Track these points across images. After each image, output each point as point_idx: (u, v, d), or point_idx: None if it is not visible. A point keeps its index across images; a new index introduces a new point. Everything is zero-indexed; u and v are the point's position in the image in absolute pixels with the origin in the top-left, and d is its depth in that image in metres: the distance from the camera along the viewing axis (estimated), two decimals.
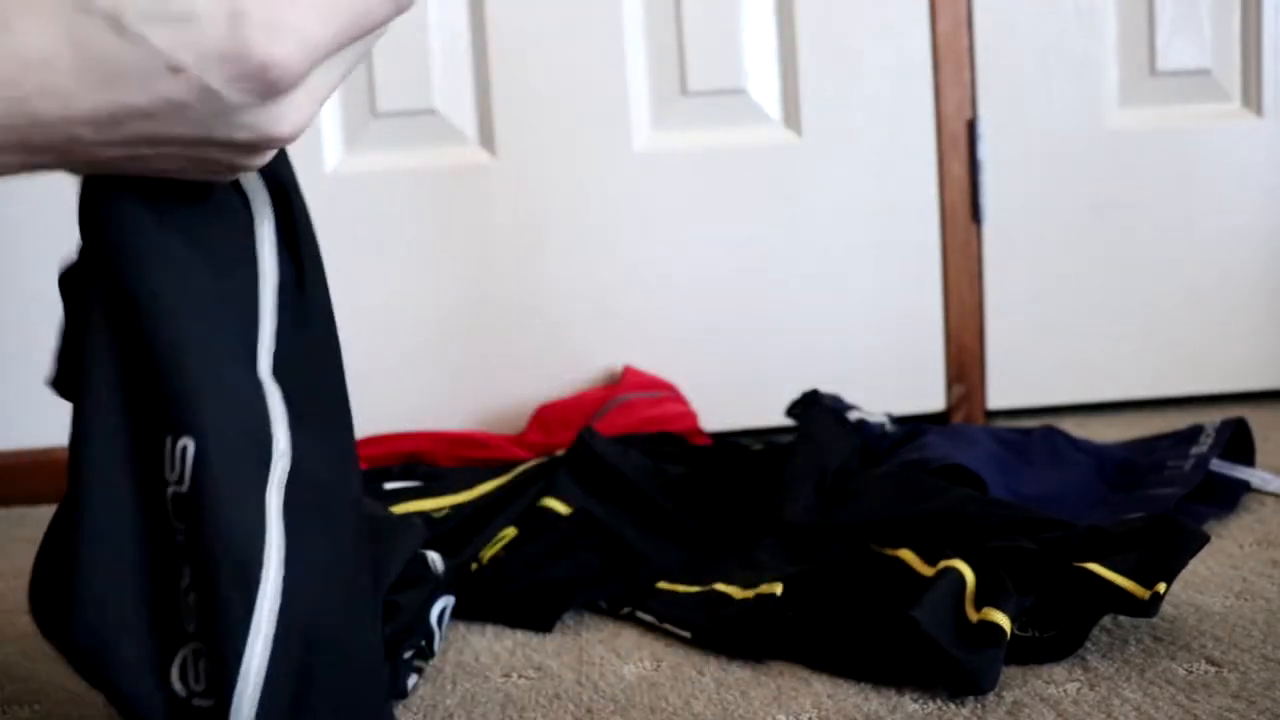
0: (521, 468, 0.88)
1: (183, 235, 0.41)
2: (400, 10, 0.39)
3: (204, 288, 0.42)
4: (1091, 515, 0.79)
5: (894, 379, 1.22)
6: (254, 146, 0.37)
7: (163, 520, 0.40)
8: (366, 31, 0.38)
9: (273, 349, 0.45)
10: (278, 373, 0.45)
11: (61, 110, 0.34)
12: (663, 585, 0.70)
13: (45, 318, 1.27)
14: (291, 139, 0.37)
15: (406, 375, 1.17)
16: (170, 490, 0.40)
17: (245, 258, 0.45)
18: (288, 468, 0.43)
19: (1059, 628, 0.58)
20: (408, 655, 0.59)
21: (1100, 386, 1.25)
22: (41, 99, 0.34)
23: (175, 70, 0.34)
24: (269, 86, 0.35)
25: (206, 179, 0.40)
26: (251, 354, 0.44)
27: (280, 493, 0.42)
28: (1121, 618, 0.62)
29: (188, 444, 0.39)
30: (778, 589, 0.61)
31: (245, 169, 0.40)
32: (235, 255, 0.44)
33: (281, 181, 0.46)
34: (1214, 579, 0.68)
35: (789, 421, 0.98)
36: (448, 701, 0.58)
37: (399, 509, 0.78)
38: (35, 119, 0.34)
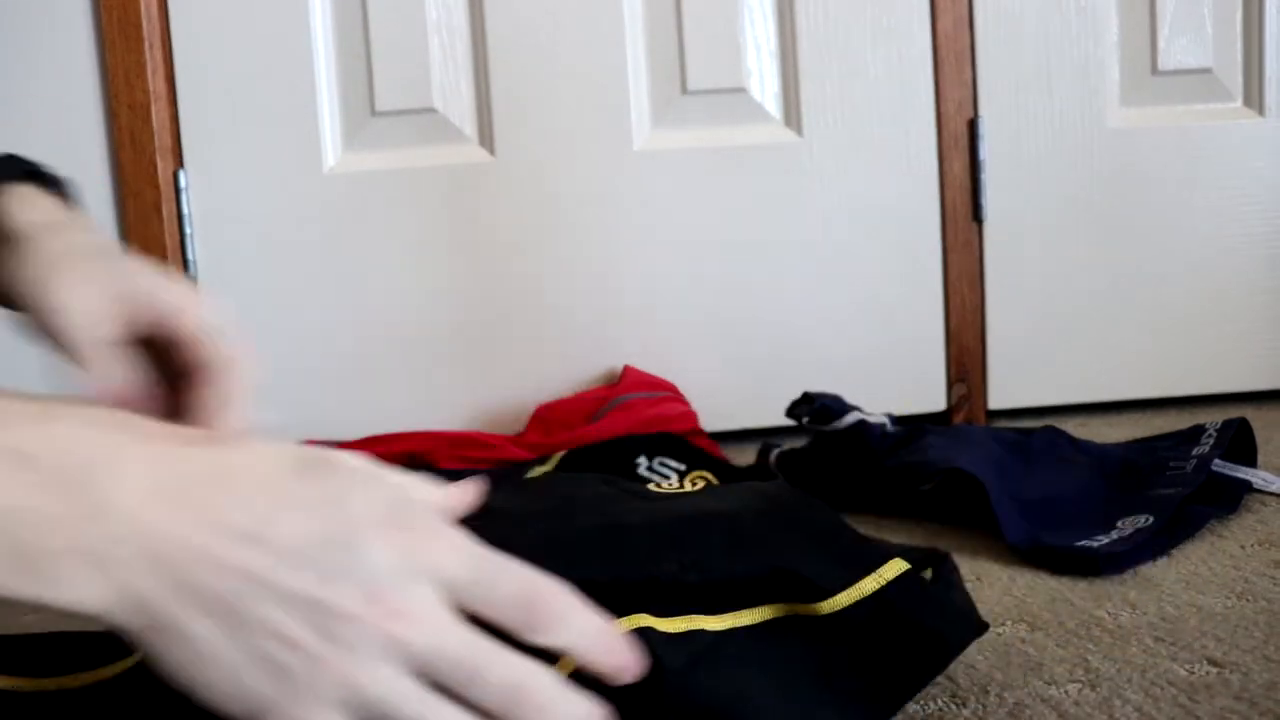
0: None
1: None
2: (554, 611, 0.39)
3: None
4: (1093, 516, 0.79)
5: (895, 379, 1.21)
6: (351, 616, 0.35)
7: None
8: (522, 622, 0.38)
9: None
10: None
11: (221, 509, 0.35)
12: None
13: None
14: (392, 625, 0.35)
15: (406, 375, 1.17)
16: None
17: None
18: None
19: None
20: None
21: (1101, 386, 1.25)
22: (214, 495, 0.36)
23: (342, 506, 0.36)
24: (410, 560, 0.37)
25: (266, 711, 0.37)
26: None
27: None
28: (1121, 617, 0.62)
29: None
30: None
31: (313, 702, 0.36)
32: None
33: None
34: (1215, 579, 0.68)
35: (789, 421, 0.98)
36: None
37: None
38: (198, 510, 0.35)
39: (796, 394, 0.98)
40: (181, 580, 0.35)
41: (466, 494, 0.42)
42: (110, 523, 0.34)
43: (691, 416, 1.12)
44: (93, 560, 0.34)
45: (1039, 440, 0.94)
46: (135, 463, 0.35)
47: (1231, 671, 0.54)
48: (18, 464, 0.33)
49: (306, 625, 0.35)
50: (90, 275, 0.47)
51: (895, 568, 0.52)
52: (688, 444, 0.99)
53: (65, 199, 0.56)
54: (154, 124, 1.14)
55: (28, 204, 0.52)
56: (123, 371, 0.47)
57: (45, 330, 0.47)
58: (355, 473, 0.37)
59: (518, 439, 1.09)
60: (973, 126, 1.20)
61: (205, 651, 0.35)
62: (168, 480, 0.35)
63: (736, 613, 0.50)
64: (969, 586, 0.70)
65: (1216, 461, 0.85)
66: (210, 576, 0.35)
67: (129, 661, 0.49)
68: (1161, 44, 1.22)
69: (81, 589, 0.34)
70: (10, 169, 0.54)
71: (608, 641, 0.39)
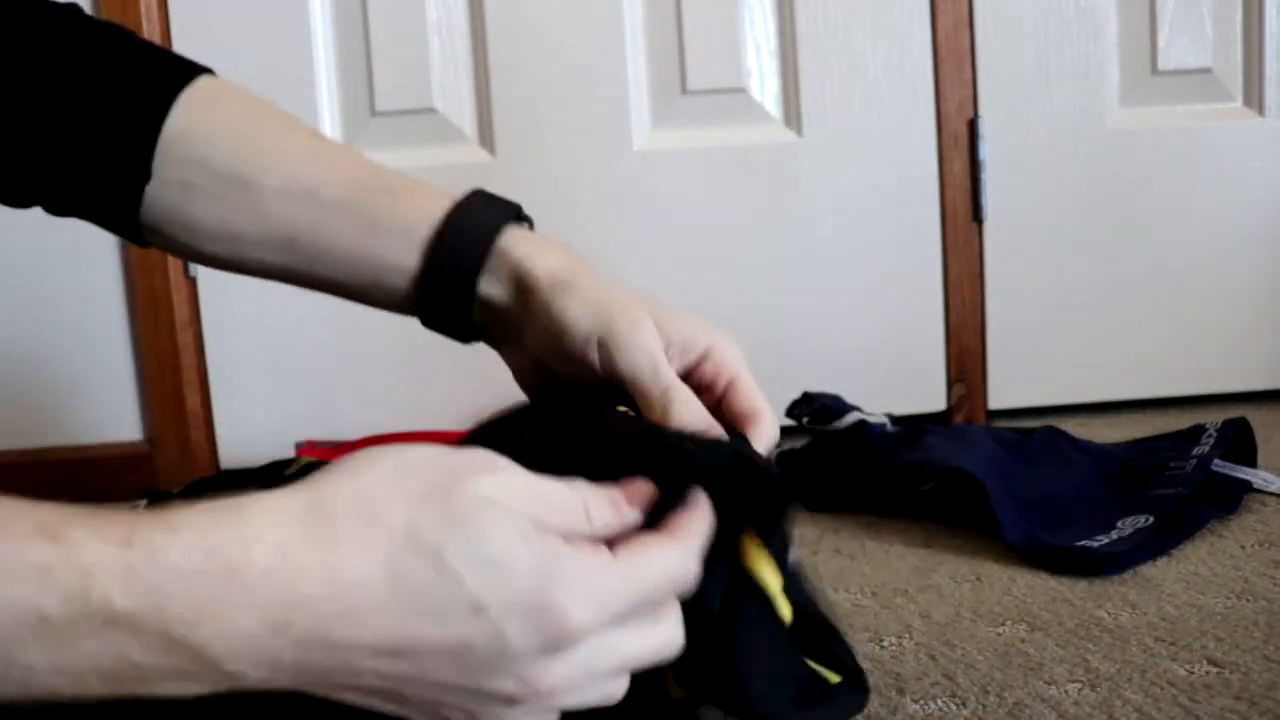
0: None
1: None
2: (685, 594, 0.40)
3: None
4: (1093, 516, 0.79)
5: (895, 379, 1.21)
6: (510, 699, 0.37)
7: None
8: (650, 612, 0.39)
9: None
10: None
11: (354, 635, 0.34)
12: None
13: (42, 316, 1.27)
14: (549, 700, 0.37)
15: (406, 374, 1.17)
16: None
17: None
18: None
19: None
20: None
21: (1101, 386, 1.25)
22: (341, 620, 0.34)
23: (477, 610, 0.35)
24: (557, 641, 0.36)
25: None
26: None
27: None
28: (1121, 617, 0.62)
29: None
30: None
31: None
32: None
33: None
34: (1215, 579, 0.68)
35: (789, 421, 0.98)
36: None
37: None
38: (327, 640, 0.34)
39: (796, 394, 0.98)
40: (319, 684, 0.35)
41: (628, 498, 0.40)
42: (224, 665, 0.33)
43: None
44: (201, 685, 0.34)
45: (1039, 440, 0.94)
46: (243, 611, 0.33)
47: (1231, 671, 0.54)
48: (109, 626, 0.32)
49: (467, 702, 0.36)
50: (643, 317, 0.50)
51: None
52: None
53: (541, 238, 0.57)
54: None
55: (536, 247, 0.54)
56: (703, 412, 0.47)
57: (606, 371, 0.48)
58: (476, 554, 0.35)
59: None
60: (973, 126, 1.20)
61: (357, 704, 0.36)
62: (283, 620, 0.33)
63: None
64: (968, 586, 0.70)
65: (1216, 461, 0.85)
66: (350, 682, 0.35)
67: None
68: (1161, 44, 1.22)
69: (186, 694, 0.34)
70: (502, 210, 0.56)
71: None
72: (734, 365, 0.51)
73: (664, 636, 0.40)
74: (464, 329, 0.56)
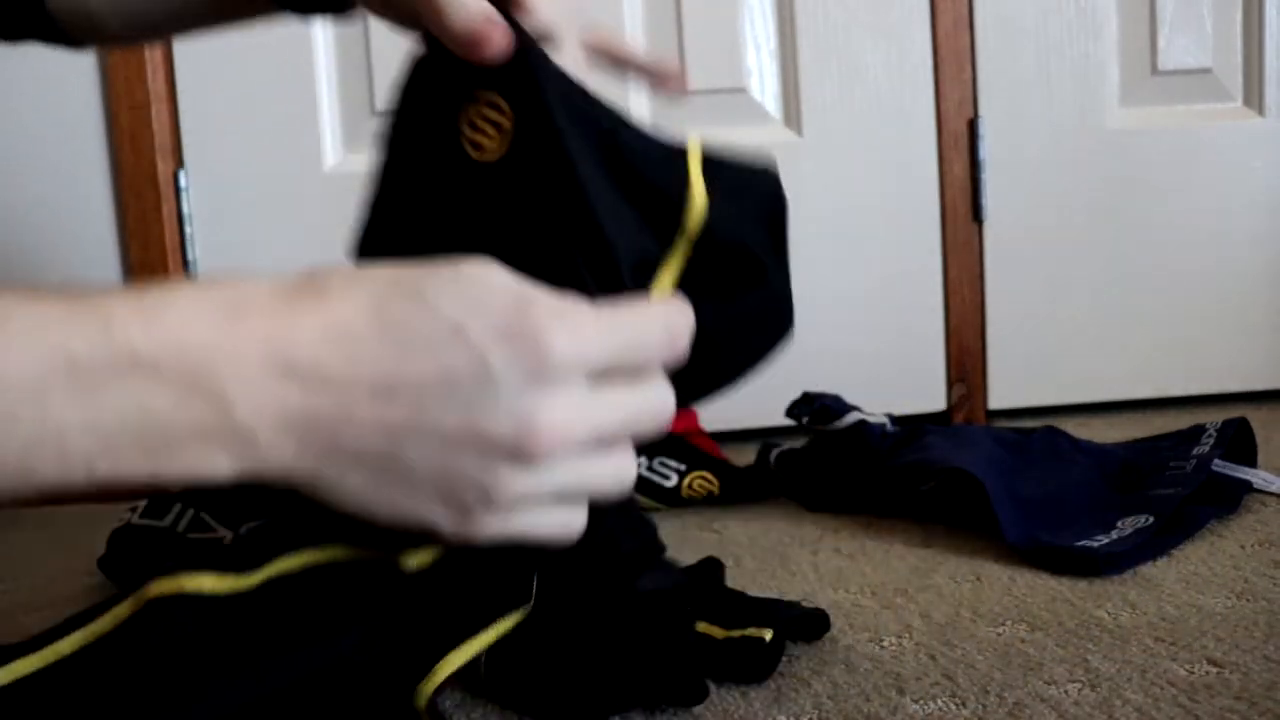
0: None
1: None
2: (673, 359, 0.41)
3: None
4: (1093, 516, 0.79)
5: (895, 379, 1.21)
6: (513, 451, 0.37)
7: None
8: (637, 364, 0.40)
9: None
10: None
11: (350, 372, 0.36)
12: None
13: None
14: (548, 447, 0.37)
15: None
16: None
17: None
18: None
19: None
20: None
21: (1101, 386, 1.25)
22: (337, 358, 0.36)
23: (457, 331, 0.36)
24: (539, 366, 0.36)
25: (436, 527, 0.39)
26: None
27: None
28: (1121, 617, 0.62)
29: None
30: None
31: (486, 514, 0.38)
32: None
33: None
34: (1216, 579, 0.68)
35: (789, 421, 0.98)
36: None
37: None
38: (326, 379, 0.35)
39: (796, 394, 0.98)
40: (326, 447, 0.36)
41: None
42: (237, 412, 0.34)
43: (691, 415, 1.12)
44: (220, 445, 0.35)
45: (1039, 440, 0.94)
46: (249, 343, 0.35)
47: (1231, 671, 0.54)
48: (133, 368, 0.33)
49: (464, 455, 0.37)
50: None
51: None
52: (687, 443, 0.99)
53: None
54: (154, 124, 1.14)
55: None
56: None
57: None
58: (454, 287, 0.37)
59: None
60: (973, 126, 1.20)
61: (364, 495, 0.37)
62: (284, 354, 0.35)
63: None
64: (968, 586, 0.70)
65: (1216, 461, 0.85)
66: (355, 438, 0.36)
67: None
68: (1161, 44, 1.22)
69: (209, 468, 0.35)
70: None
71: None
72: None
73: (653, 398, 0.41)
74: None
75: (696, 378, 0.48)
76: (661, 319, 0.41)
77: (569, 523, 0.41)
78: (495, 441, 0.37)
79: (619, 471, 0.41)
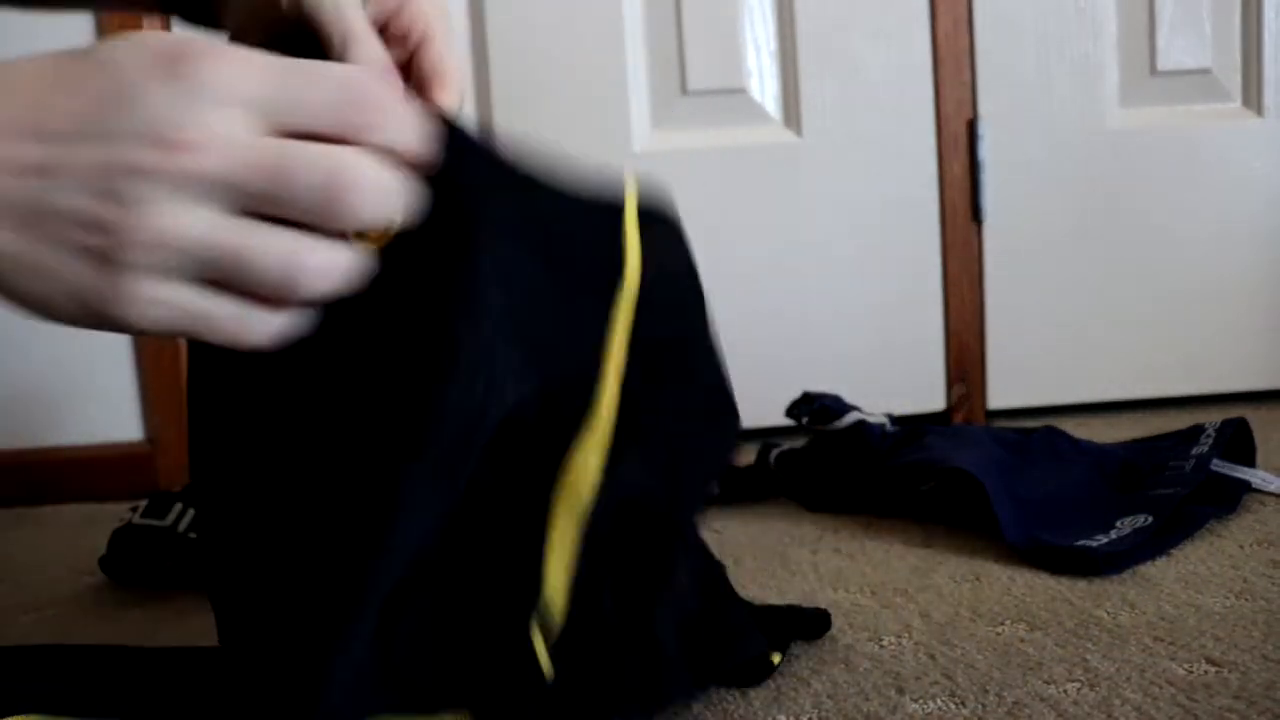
0: None
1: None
2: (357, 126, 0.36)
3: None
4: (1093, 515, 0.79)
5: (894, 379, 1.22)
6: (155, 170, 0.33)
7: None
8: (307, 116, 0.35)
9: None
10: None
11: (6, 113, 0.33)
12: None
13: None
14: (194, 163, 0.33)
15: None
16: None
17: None
18: None
19: None
20: None
21: (1101, 386, 1.25)
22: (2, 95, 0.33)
23: (106, 66, 0.33)
24: (187, 82, 0.33)
25: (84, 295, 0.34)
26: None
27: None
28: (1121, 617, 0.62)
29: None
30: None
31: (133, 266, 0.34)
32: None
33: None
34: (1214, 579, 0.68)
35: (789, 421, 0.98)
36: None
37: None
38: None
39: (796, 394, 0.98)
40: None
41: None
42: None
43: None
44: None
45: (1039, 440, 0.94)
46: None
47: (1230, 671, 0.54)
48: None
49: (103, 197, 0.33)
50: None
51: None
52: None
53: None
54: None
55: None
56: (380, 58, 0.44)
57: (290, 9, 0.44)
58: (125, 42, 0.34)
59: None
60: (972, 127, 1.20)
61: (21, 262, 0.33)
62: None
63: None
64: (968, 586, 0.70)
65: (1216, 461, 0.85)
66: (9, 205, 0.33)
67: None
68: (1160, 44, 1.22)
69: None
70: None
71: (427, 131, 0.37)
72: (430, 21, 0.47)
73: (341, 161, 0.35)
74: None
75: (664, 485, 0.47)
76: (340, 75, 0.36)
77: (243, 317, 0.35)
78: (126, 168, 0.33)
79: (290, 253, 0.35)
